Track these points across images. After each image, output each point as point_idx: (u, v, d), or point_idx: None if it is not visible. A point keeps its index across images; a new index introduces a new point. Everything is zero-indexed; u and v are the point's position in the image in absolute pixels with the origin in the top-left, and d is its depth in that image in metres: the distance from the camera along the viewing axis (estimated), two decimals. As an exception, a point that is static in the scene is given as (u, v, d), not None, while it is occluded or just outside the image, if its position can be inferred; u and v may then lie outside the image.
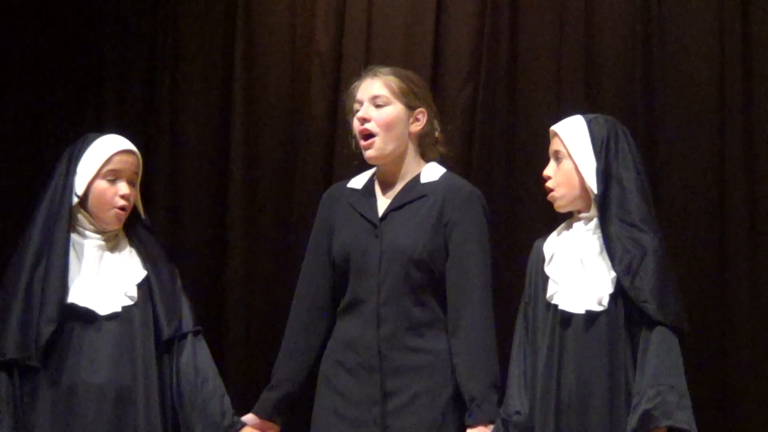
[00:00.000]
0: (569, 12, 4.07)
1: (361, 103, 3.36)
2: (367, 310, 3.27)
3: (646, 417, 2.96)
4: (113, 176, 3.26)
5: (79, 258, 3.23)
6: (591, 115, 3.26)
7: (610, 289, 3.08)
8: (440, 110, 4.03)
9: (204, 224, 4.34)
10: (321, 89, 4.23)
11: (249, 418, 3.35)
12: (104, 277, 3.24)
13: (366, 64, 3.67)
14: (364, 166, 3.43)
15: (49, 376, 3.14)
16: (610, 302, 3.07)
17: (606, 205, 3.12)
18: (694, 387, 3.06)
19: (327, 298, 3.38)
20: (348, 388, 3.27)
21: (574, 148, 3.18)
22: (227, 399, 3.28)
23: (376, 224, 3.31)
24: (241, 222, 4.29)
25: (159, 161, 4.29)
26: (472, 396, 3.19)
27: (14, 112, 4.37)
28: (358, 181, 3.43)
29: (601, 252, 3.12)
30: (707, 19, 3.97)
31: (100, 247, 3.27)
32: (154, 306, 3.28)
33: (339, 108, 4.08)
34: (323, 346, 3.36)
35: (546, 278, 3.19)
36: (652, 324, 3.03)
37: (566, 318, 3.11)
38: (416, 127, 3.38)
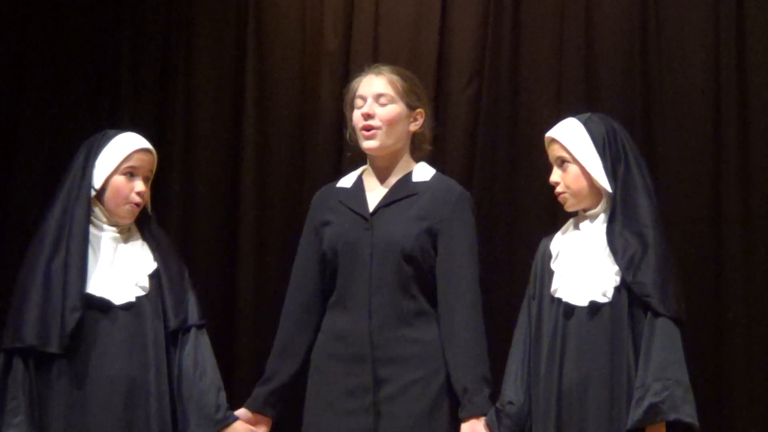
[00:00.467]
0: (570, 13, 4.10)
1: (363, 99, 3.38)
2: (358, 301, 3.29)
3: (653, 410, 2.98)
4: (131, 172, 3.30)
5: (95, 249, 3.25)
6: (584, 116, 3.27)
7: (615, 282, 3.10)
8: (444, 109, 4.11)
9: (216, 220, 4.36)
10: (330, 88, 4.25)
11: (241, 412, 3.37)
12: (119, 268, 3.27)
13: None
14: (357, 158, 3.46)
15: (64, 366, 3.16)
16: (614, 294, 3.09)
17: (614, 202, 3.14)
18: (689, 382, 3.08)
19: (317, 295, 3.41)
20: (340, 379, 3.29)
21: (578, 152, 3.19)
22: (223, 393, 3.30)
23: (367, 218, 3.34)
24: (252, 218, 4.31)
25: (172, 159, 4.30)
26: (465, 388, 3.21)
27: (33, 110, 4.40)
28: (346, 181, 3.47)
29: (607, 247, 3.14)
30: (703, 19, 3.99)
31: (115, 239, 3.30)
32: (162, 298, 3.30)
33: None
34: (314, 341, 3.38)
35: (552, 274, 3.21)
36: (654, 317, 3.05)
37: (569, 310, 3.14)
38: (415, 126, 3.42)
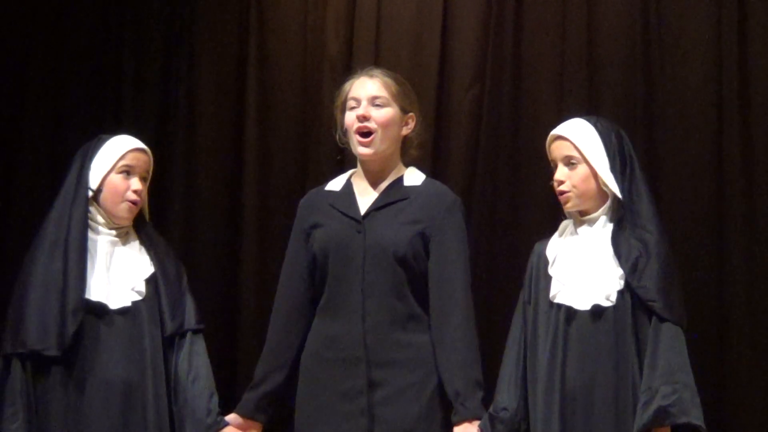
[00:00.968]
0: (571, 16, 4.11)
1: (357, 101, 3.37)
2: (350, 304, 3.28)
3: (662, 413, 2.98)
4: (127, 171, 3.30)
5: (92, 253, 3.26)
6: (592, 118, 3.27)
7: (618, 286, 3.09)
8: (446, 112, 4.13)
9: (218, 224, 4.37)
10: (332, 91, 4.12)
11: (231, 417, 3.36)
12: (115, 273, 3.28)
13: (375, 68, 3.71)
14: (345, 162, 3.45)
15: (61, 370, 3.16)
16: (618, 298, 3.09)
17: (623, 207, 3.14)
18: (692, 385, 3.08)
19: (306, 299, 3.39)
20: (333, 381, 3.28)
21: (589, 153, 3.18)
22: (215, 398, 3.30)
23: (359, 221, 3.33)
24: (254, 222, 4.32)
25: (174, 162, 4.33)
26: (457, 392, 3.21)
27: (36, 112, 4.43)
28: (335, 184, 3.45)
29: (611, 250, 3.13)
30: (705, 21, 4.00)
31: (112, 243, 3.31)
32: (160, 302, 3.31)
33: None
34: (303, 345, 3.37)
35: (549, 279, 3.19)
36: (659, 321, 3.05)
37: (571, 314, 3.13)
38: (407, 130, 3.41)
